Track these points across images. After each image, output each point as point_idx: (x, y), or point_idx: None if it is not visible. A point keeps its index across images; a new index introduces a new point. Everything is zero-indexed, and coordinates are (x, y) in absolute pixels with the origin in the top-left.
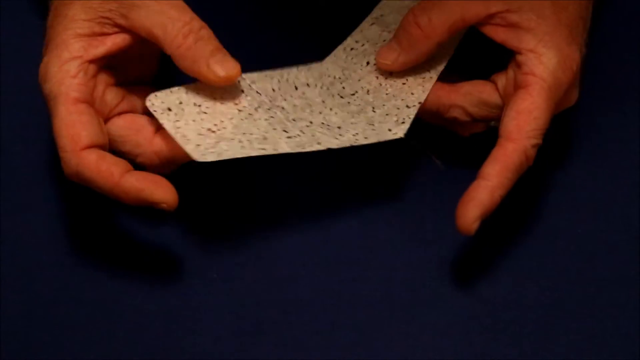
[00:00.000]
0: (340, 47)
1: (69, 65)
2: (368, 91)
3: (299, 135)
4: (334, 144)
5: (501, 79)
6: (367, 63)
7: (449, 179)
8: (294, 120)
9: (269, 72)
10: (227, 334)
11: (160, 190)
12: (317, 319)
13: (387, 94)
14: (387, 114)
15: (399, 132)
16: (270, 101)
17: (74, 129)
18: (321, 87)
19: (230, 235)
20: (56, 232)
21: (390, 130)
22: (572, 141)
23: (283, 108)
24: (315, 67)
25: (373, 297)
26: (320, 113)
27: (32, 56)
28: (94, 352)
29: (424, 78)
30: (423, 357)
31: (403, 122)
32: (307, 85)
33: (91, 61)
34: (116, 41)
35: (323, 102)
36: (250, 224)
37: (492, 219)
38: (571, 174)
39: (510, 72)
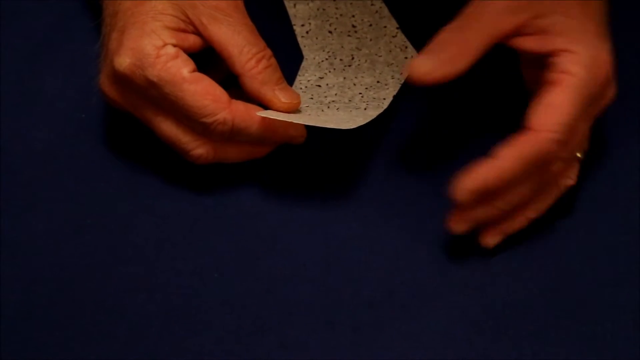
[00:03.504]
0: (298, 37)
1: (165, 49)
2: (357, 48)
3: (368, 103)
4: (391, 92)
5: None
6: (330, 32)
7: (450, 180)
8: (350, 101)
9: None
10: (227, 334)
11: (293, 127)
12: (317, 319)
13: (370, 39)
14: (390, 50)
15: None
16: (319, 104)
17: (210, 92)
18: (330, 72)
19: (230, 235)
20: (56, 232)
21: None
22: None
23: (334, 101)
24: (306, 66)
25: (373, 297)
26: (355, 85)
27: (32, 56)
28: (94, 352)
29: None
30: (423, 357)
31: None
32: (321, 78)
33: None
34: (196, 41)
35: (345, 78)
36: (250, 223)
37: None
38: None
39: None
